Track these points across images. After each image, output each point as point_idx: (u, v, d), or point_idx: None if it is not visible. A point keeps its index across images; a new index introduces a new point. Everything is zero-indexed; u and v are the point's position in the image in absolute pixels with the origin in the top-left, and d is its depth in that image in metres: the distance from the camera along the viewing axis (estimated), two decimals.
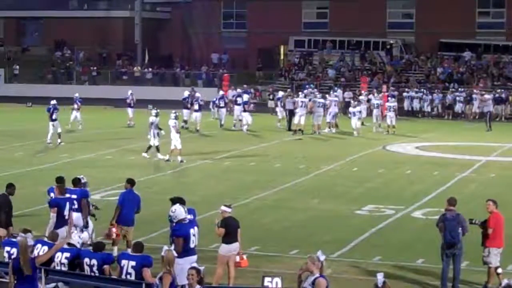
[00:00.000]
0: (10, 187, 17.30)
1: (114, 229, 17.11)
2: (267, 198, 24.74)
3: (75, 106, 41.59)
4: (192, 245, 14.35)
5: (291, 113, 41.92)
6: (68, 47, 72.68)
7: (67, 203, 16.75)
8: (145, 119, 44.25)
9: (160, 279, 12.21)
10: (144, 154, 31.79)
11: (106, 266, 13.53)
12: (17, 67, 67.62)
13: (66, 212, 16.65)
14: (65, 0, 76.20)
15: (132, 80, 66.16)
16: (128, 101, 44.33)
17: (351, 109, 42.04)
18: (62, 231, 15.98)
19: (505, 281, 11.60)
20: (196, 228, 14.56)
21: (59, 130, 35.61)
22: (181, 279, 13.29)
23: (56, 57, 72.07)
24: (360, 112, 41.86)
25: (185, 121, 42.13)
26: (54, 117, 35.48)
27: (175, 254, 12.92)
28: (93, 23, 71.68)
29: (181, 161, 30.69)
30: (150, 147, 31.71)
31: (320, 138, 39.28)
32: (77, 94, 42.85)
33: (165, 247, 12.75)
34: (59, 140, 35.52)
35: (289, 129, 41.54)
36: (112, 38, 72.35)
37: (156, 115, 31.82)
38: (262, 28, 67.79)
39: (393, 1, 68.14)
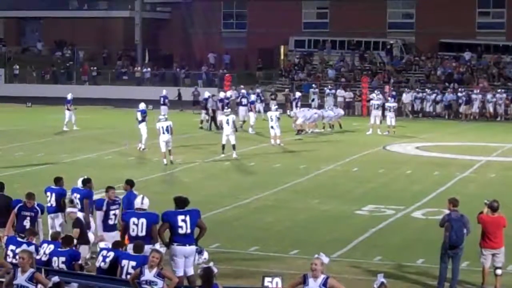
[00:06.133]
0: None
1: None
2: (267, 198, 24.72)
3: (67, 106, 41.37)
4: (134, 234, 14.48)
5: (214, 113, 42.20)
6: (68, 47, 72.69)
7: None
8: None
9: (161, 275, 12.29)
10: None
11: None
12: (17, 67, 67.62)
13: None
14: (65, 0, 76.25)
15: (133, 80, 66.15)
16: (163, 100, 44.09)
17: (269, 113, 36.78)
18: None
19: (379, 279, 11.42)
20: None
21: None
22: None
23: (56, 57, 72.06)
24: (278, 118, 36.02)
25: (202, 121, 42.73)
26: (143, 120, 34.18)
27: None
28: (93, 23, 71.73)
29: (165, 164, 30.25)
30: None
31: (320, 138, 39.26)
32: (70, 95, 42.54)
33: (158, 245, 12.85)
34: (140, 144, 34.43)
35: (211, 129, 41.94)
36: (112, 38, 72.39)
37: None
38: (262, 28, 67.79)
39: (393, 1, 68.18)
